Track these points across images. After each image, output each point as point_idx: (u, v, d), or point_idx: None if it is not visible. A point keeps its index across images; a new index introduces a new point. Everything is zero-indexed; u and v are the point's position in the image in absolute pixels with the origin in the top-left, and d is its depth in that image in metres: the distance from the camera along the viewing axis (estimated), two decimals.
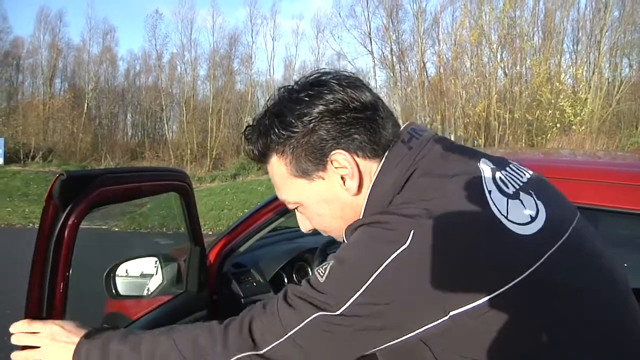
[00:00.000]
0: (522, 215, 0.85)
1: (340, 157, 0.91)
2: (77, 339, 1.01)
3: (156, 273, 2.02)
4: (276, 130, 0.92)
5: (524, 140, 21.38)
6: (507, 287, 0.78)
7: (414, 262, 0.78)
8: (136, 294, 2.05)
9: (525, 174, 0.96)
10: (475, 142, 22.00)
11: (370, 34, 28.12)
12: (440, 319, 0.78)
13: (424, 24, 27.49)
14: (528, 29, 23.90)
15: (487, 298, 0.77)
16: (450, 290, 0.78)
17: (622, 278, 0.92)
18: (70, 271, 1.19)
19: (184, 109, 30.82)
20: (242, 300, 2.12)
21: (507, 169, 0.95)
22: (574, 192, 1.20)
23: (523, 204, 0.87)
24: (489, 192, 0.86)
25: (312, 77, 0.95)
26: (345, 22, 29.29)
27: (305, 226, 1.04)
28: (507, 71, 23.76)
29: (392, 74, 27.81)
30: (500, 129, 22.10)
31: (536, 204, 0.88)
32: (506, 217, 0.83)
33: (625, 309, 0.89)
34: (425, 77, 26.97)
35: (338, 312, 0.81)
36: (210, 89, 31.87)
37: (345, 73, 0.97)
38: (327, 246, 2.35)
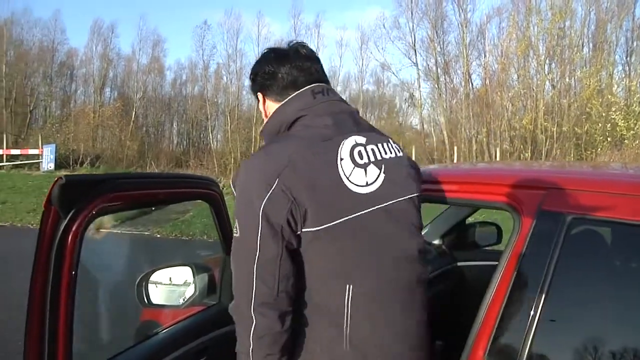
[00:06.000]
0: (361, 180, 1.26)
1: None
2: None
3: (191, 282, 1.99)
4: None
5: (572, 155, 20.63)
6: (335, 222, 1.20)
7: None
8: (169, 303, 2.01)
9: (389, 154, 1.36)
10: (522, 155, 21.37)
11: (414, 45, 27.78)
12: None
13: (470, 35, 27.10)
14: (578, 40, 23.20)
15: (316, 228, 1.19)
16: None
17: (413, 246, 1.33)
18: (76, 273, 1.11)
19: (229, 118, 31.22)
20: None
21: (376, 146, 1.34)
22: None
23: (366, 173, 1.27)
24: (341, 159, 1.25)
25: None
26: (390, 33, 28.92)
27: None
28: (555, 83, 23.09)
29: (436, 86, 27.44)
30: (547, 143, 21.40)
31: (378, 176, 1.29)
32: (347, 178, 1.24)
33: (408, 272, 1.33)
34: (470, 89, 26.51)
35: None
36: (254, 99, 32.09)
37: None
38: None
